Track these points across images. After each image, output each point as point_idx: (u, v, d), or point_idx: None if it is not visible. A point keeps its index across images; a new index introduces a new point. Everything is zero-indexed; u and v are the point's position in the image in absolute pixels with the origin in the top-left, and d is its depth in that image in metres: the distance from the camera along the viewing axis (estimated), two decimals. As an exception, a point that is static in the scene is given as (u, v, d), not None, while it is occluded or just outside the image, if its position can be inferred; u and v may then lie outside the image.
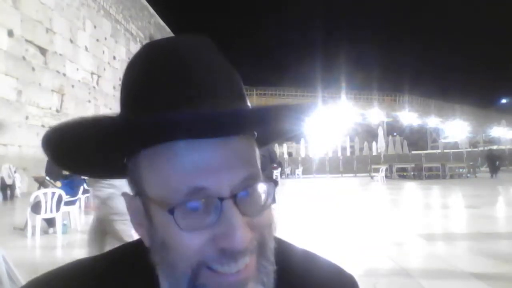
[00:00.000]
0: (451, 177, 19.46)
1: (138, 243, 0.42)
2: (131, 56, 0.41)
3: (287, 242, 0.49)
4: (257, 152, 0.41)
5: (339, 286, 0.46)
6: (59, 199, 5.74)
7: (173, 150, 0.35)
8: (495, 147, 31.77)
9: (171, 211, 0.34)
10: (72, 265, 0.44)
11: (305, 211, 8.49)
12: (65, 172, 7.89)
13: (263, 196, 0.38)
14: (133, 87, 0.38)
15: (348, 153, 32.49)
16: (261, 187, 0.38)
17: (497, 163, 20.01)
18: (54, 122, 15.56)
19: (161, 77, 0.36)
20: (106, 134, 0.33)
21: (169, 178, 0.35)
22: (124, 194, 0.41)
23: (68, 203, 6.12)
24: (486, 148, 28.88)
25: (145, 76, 0.37)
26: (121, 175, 0.43)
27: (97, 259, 0.45)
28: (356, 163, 27.15)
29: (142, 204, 0.38)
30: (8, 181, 11.52)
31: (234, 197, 0.34)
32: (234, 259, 0.34)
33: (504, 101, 49.39)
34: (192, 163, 0.34)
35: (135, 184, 0.39)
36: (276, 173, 14.04)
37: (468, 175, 20.10)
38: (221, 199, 0.34)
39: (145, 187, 0.37)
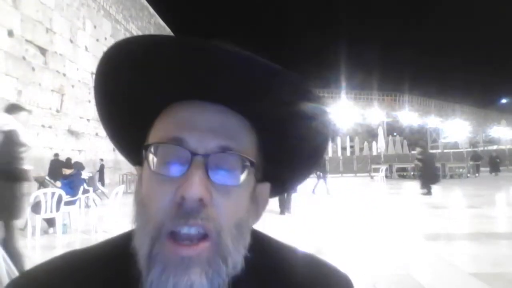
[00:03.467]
0: (451, 177, 19.42)
1: (129, 235, 0.40)
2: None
3: (285, 243, 0.49)
4: (248, 137, 0.40)
5: (335, 285, 0.46)
6: (59, 199, 5.73)
7: (172, 108, 0.39)
8: (495, 147, 31.71)
9: (147, 148, 0.37)
10: (62, 257, 0.44)
11: (304, 211, 8.49)
12: (65, 172, 7.90)
13: (238, 174, 0.37)
14: None
15: (348, 153, 32.47)
16: (238, 164, 0.37)
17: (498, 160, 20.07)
18: (54, 122, 15.56)
19: None
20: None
21: (159, 131, 0.38)
22: None
23: (68, 203, 6.11)
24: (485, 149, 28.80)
25: None
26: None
27: (87, 251, 0.45)
28: (356, 163, 27.09)
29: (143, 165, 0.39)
30: None
31: (206, 156, 0.35)
32: (187, 217, 0.33)
33: (504, 101, 49.26)
34: (181, 119, 0.38)
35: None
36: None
37: (468, 175, 20.06)
38: (194, 154, 0.35)
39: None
